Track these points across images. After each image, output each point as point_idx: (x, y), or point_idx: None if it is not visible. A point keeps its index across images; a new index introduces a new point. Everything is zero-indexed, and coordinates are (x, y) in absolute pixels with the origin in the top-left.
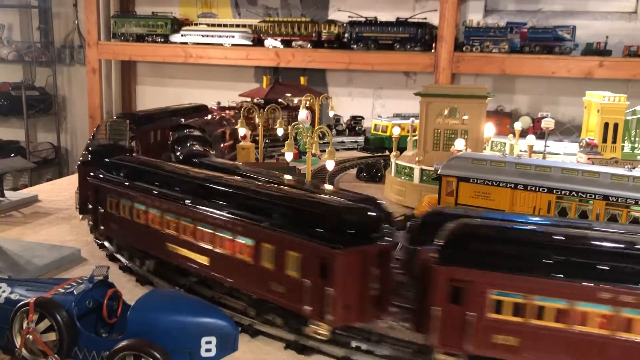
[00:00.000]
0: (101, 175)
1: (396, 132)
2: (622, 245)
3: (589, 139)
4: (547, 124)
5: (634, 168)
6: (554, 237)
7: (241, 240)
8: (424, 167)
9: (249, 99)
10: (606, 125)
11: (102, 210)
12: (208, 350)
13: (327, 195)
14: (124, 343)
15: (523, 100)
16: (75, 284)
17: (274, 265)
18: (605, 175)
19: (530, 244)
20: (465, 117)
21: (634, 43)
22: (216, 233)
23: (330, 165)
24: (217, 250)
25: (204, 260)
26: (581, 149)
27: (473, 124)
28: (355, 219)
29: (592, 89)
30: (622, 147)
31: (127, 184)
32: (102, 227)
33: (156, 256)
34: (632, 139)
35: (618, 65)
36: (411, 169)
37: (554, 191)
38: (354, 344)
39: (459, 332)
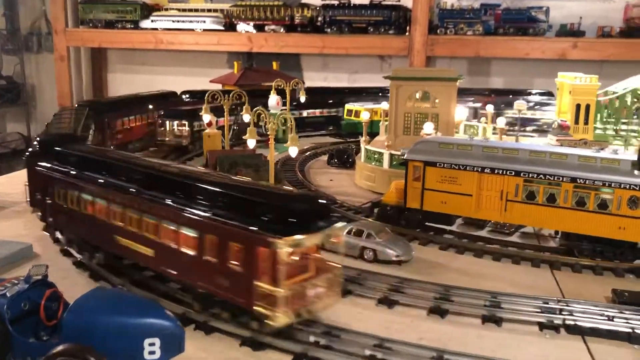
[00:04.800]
0: (48, 166)
1: (365, 116)
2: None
3: (562, 120)
4: (519, 106)
5: (602, 149)
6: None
7: (177, 229)
8: (393, 152)
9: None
10: (578, 106)
11: (49, 201)
12: (152, 352)
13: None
14: (58, 348)
15: (498, 83)
16: (9, 285)
17: (211, 256)
18: (573, 157)
19: None
20: (437, 101)
21: (607, 24)
22: (150, 221)
23: (293, 152)
24: (160, 241)
25: (148, 252)
26: (553, 130)
27: (444, 108)
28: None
29: (567, 71)
30: (594, 128)
31: (72, 173)
32: (50, 219)
33: (104, 249)
34: (604, 120)
35: (592, 46)
36: (381, 154)
37: (522, 174)
38: (312, 338)
39: None
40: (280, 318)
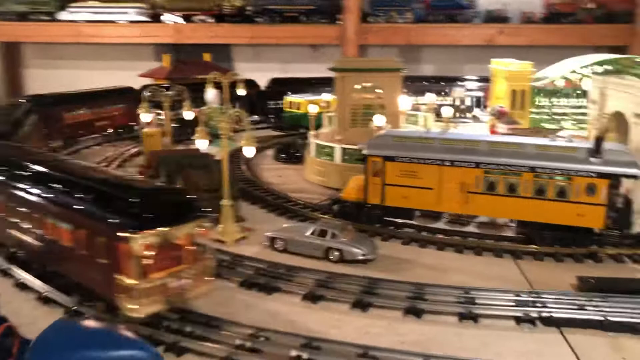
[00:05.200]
0: None
1: (313, 110)
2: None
3: (500, 106)
4: (458, 94)
5: (557, 138)
6: None
7: (57, 223)
8: (345, 145)
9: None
10: (514, 92)
11: None
12: None
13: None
14: None
15: (429, 70)
16: None
17: (83, 249)
18: (531, 147)
19: None
20: (380, 91)
21: (530, 9)
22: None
23: (249, 152)
24: (45, 235)
25: (37, 246)
26: (492, 116)
27: (389, 98)
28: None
29: (495, 56)
30: (530, 113)
31: None
32: None
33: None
34: (538, 105)
35: (517, 32)
36: (332, 148)
37: (481, 166)
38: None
39: None
40: (138, 310)
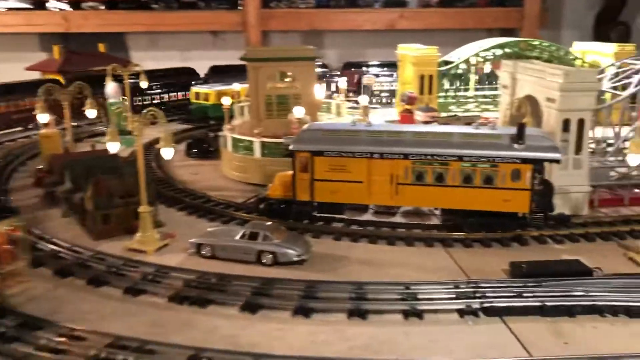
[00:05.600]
0: None
1: (226, 102)
2: None
3: (409, 92)
4: (369, 80)
5: (478, 125)
6: None
7: None
8: (264, 139)
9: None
10: (422, 77)
11: None
12: None
13: None
14: None
15: (333, 55)
16: None
17: None
18: (456, 136)
19: None
20: (289, 80)
21: None
22: None
23: (168, 153)
24: None
25: None
26: (402, 102)
27: (305, 88)
28: None
29: (397, 41)
30: (438, 97)
31: None
32: None
33: None
34: (445, 89)
35: (416, 16)
36: (251, 142)
37: (410, 157)
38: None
39: None
40: None
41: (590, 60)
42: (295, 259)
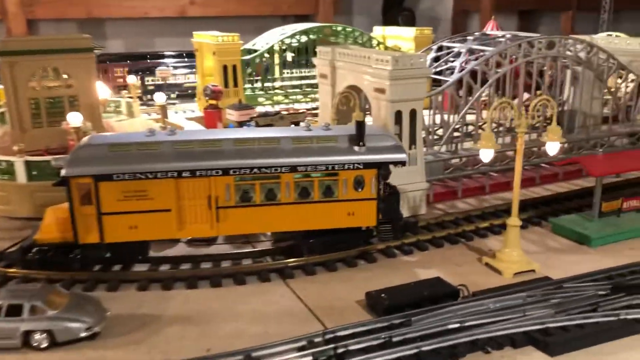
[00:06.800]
0: None
1: None
2: None
3: (212, 85)
4: (163, 73)
5: (310, 124)
6: None
7: None
8: (30, 157)
9: None
10: (225, 67)
11: None
12: None
13: None
14: None
15: (117, 45)
16: None
17: None
18: (287, 141)
19: None
20: (65, 77)
21: None
22: None
23: None
24: None
25: None
26: (206, 96)
27: (82, 86)
28: None
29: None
30: (244, 89)
31: None
32: None
33: None
34: (251, 79)
35: (209, 2)
36: (10, 164)
37: (231, 172)
38: None
39: None
40: None
41: (392, 45)
42: (83, 334)
